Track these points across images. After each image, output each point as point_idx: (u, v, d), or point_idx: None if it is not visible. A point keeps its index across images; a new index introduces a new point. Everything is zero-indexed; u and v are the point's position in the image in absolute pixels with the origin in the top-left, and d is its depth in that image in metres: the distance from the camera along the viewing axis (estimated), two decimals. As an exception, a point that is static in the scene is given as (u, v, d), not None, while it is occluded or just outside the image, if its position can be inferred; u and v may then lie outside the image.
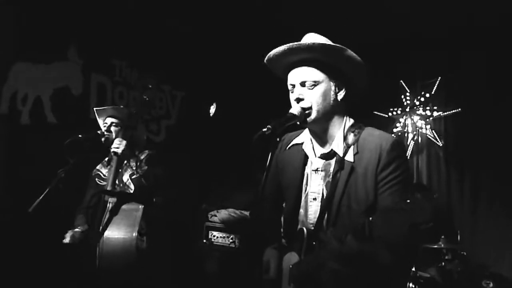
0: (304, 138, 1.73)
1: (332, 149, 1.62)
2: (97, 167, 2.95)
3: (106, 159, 2.93)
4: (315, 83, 1.59)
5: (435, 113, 4.69)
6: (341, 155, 1.59)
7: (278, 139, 1.52)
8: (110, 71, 4.24)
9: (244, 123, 4.37)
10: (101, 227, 2.29)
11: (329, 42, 1.64)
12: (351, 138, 1.61)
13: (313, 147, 1.68)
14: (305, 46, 1.59)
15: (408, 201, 1.15)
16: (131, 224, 2.33)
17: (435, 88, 4.68)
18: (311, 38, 1.64)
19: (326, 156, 1.64)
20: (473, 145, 4.43)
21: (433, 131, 4.71)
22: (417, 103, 4.79)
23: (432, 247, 3.44)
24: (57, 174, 2.40)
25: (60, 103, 3.77)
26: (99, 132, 2.82)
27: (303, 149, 1.70)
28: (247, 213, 4.10)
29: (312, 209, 1.64)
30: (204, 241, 4.00)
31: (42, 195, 2.29)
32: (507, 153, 4.11)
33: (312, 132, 1.69)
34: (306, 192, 1.66)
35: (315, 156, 1.67)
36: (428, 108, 4.73)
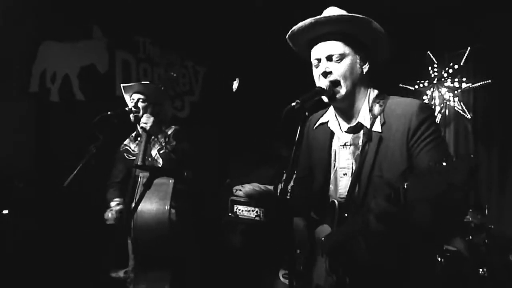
0: (329, 116, 1.72)
1: (358, 122, 1.61)
2: (125, 142, 3.00)
3: (134, 134, 2.99)
4: (342, 56, 1.58)
5: (464, 85, 4.56)
6: (368, 126, 1.58)
7: (306, 114, 1.49)
8: (134, 48, 4.27)
9: (267, 98, 4.35)
10: (134, 201, 2.36)
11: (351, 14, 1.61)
12: (376, 108, 1.60)
13: (339, 124, 1.68)
14: (333, 18, 1.57)
15: (444, 163, 1.12)
16: (163, 197, 2.39)
17: (464, 59, 4.54)
18: (334, 11, 1.61)
19: (353, 130, 1.63)
20: (502, 118, 4.31)
21: (461, 103, 4.59)
22: (445, 74, 4.66)
23: (459, 220, 3.41)
24: (89, 149, 2.46)
25: (87, 81, 3.84)
26: (126, 108, 2.86)
27: (328, 127, 1.70)
28: (270, 187, 4.14)
29: (343, 184, 1.64)
30: (230, 214, 4.08)
31: (76, 170, 2.35)
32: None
33: (337, 109, 1.68)
34: (335, 168, 1.67)
35: (342, 132, 1.66)
36: (456, 79, 4.60)
